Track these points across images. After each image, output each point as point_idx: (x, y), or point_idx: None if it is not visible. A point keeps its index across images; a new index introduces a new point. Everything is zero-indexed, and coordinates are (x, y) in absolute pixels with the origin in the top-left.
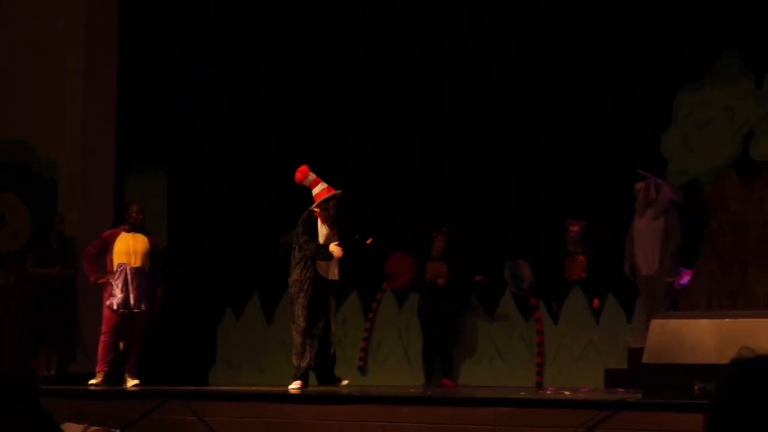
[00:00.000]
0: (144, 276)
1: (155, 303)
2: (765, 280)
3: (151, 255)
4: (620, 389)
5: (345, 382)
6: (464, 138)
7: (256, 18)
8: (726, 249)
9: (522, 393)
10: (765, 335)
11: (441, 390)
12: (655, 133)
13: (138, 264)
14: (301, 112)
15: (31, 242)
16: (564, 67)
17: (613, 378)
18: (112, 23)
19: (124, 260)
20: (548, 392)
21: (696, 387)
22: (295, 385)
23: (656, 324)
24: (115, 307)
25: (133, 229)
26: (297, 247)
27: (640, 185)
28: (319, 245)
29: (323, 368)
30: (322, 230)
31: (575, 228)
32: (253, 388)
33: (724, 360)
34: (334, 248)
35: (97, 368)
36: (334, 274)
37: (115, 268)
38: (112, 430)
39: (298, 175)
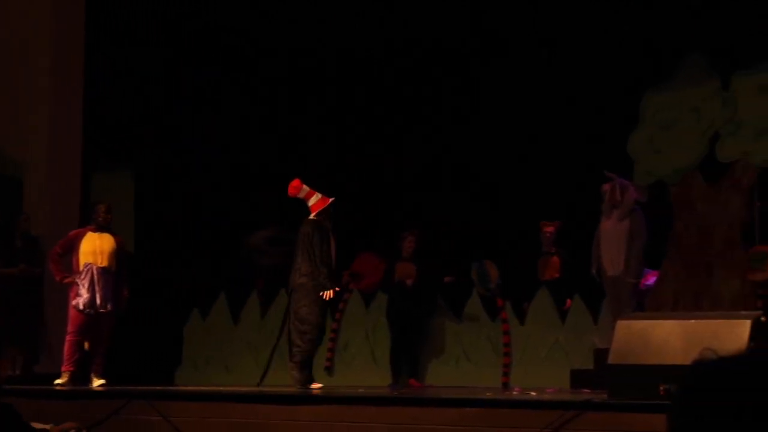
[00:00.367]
0: (110, 276)
1: (121, 303)
2: (730, 281)
3: (117, 255)
4: (586, 390)
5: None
6: (434, 139)
7: (224, 11)
8: (691, 250)
9: (488, 393)
10: (729, 336)
11: (407, 390)
12: (624, 134)
13: (104, 264)
14: (269, 111)
15: None
16: (533, 69)
17: (579, 378)
18: (79, 23)
19: (90, 260)
20: (514, 393)
21: (661, 388)
22: (318, 385)
23: (622, 325)
24: (81, 307)
25: (100, 228)
26: (307, 255)
27: (606, 187)
28: (330, 276)
29: None
30: None
31: (549, 229)
32: (220, 388)
33: (689, 361)
34: (330, 293)
35: (63, 368)
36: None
37: (81, 268)
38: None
39: (291, 190)
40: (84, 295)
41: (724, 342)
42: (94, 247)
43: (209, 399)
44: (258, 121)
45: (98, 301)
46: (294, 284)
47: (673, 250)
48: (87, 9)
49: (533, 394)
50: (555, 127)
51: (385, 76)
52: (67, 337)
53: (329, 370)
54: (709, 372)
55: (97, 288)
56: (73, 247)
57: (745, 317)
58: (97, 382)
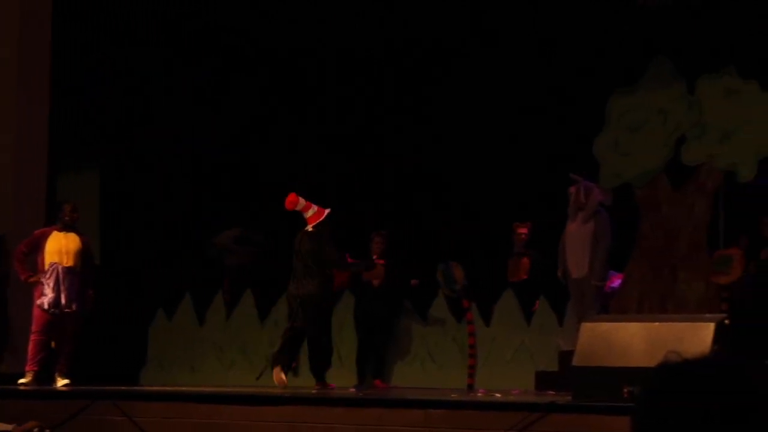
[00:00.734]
0: (76, 275)
1: (87, 303)
2: (695, 284)
3: (83, 255)
4: (551, 392)
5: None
6: (402, 141)
7: (201, 6)
8: (656, 253)
9: (453, 395)
10: (693, 339)
11: (372, 391)
12: (591, 136)
13: (70, 263)
14: (236, 109)
15: None
16: (503, 73)
17: (543, 380)
18: (45, 21)
19: (56, 259)
20: (479, 394)
21: (625, 390)
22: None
23: (586, 327)
24: (46, 306)
25: (66, 228)
26: (318, 262)
27: (573, 189)
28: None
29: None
30: None
31: (522, 230)
32: (184, 388)
33: (653, 363)
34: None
35: (27, 368)
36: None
37: (46, 267)
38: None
39: (288, 205)
40: (49, 294)
41: (688, 345)
42: (60, 247)
43: (174, 399)
44: (224, 120)
45: (63, 300)
46: (299, 294)
47: (638, 253)
48: (54, 5)
49: (498, 395)
50: (527, 128)
51: (358, 75)
52: (32, 337)
53: (295, 370)
54: (673, 375)
55: (62, 287)
56: (38, 247)
57: (709, 320)
58: (61, 382)
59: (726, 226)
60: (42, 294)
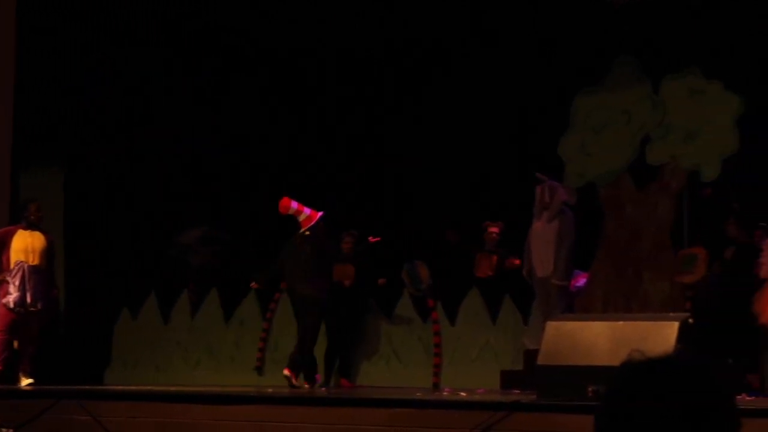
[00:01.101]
0: (41, 274)
1: (53, 302)
2: (659, 283)
3: (48, 254)
4: (516, 391)
5: None
6: (372, 140)
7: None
8: (621, 252)
9: (418, 394)
10: (657, 338)
11: (338, 390)
12: (557, 137)
13: (36, 262)
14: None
15: None
16: (468, 70)
17: (509, 379)
18: (10, 19)
19: (21, 258)
20: (444, 393)
21: (590, 389)
22: None
23: (551, 326)
24: (11, 305)
25: (31, 227)
26: (318, 264)
27: (539, 188)
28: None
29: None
30: None
31: (494, 229)
32: (150, 387)
33: (618, 362)
34: None
35: None
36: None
37: (12, 266)
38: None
39: (281, 209)
40: (14, 293)
41: (652, 344)
42: (26, 245)
43: (139, 398)
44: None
45: (29, 299)
46: (303, 295)
47: (602, 252)
48: (18, 3)
49: (463, 394)
50: (496, 129)
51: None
52: None
53: (259, 369)
54: (636, 374)
55: (27, 286)
56: (3, 245)
57: (673, 319)
58: (25, 382)
59: (690, 225)
60: (7, 293)
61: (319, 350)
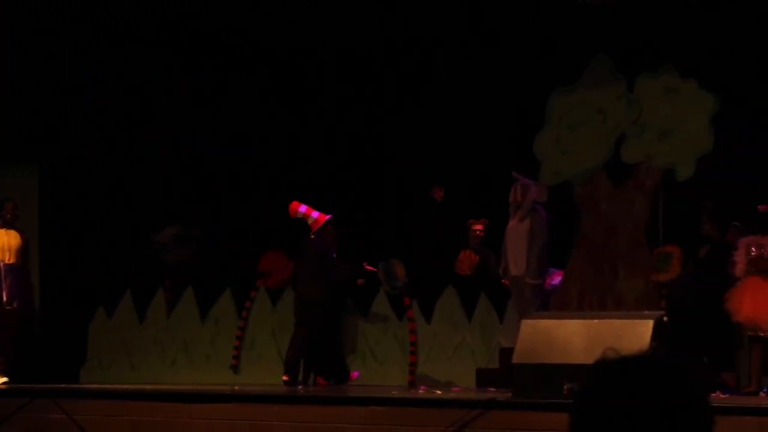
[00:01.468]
0: (17, 273)
1: (30, 300)
2: (634, 281)
3: (23, 252)
4: (492, 389)
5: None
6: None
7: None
8: (597, 250)
9: (394, 392)
10: (631, 336)
11: (314, 389)
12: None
13: (12, 260)
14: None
15: None
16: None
17: (484, 377)
18: None
19: None
20: (420, 391)
21: (565, 387)
22: None
23: (527, 324)
24: None
25: (6, 225)
26: (320, 268)
27: (513, 187)
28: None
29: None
30: None
31: (478, 227)
32: (125, 386)
33: (593, 360)
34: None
35: None
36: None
37: None
38: None
39: (291, 213)
40: None
41: (627, 341)
42: (2, 244)
43: (114, 397)
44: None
45: (5, 297)
46: (305, 297)
47: (578, 250)
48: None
49: (439, 392)
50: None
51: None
52: None
53: (235, 368)
54: (611, 372)
55: (3, 285)
56: None
57: (648, 317)
58: None
59: (665, 224)
60: None
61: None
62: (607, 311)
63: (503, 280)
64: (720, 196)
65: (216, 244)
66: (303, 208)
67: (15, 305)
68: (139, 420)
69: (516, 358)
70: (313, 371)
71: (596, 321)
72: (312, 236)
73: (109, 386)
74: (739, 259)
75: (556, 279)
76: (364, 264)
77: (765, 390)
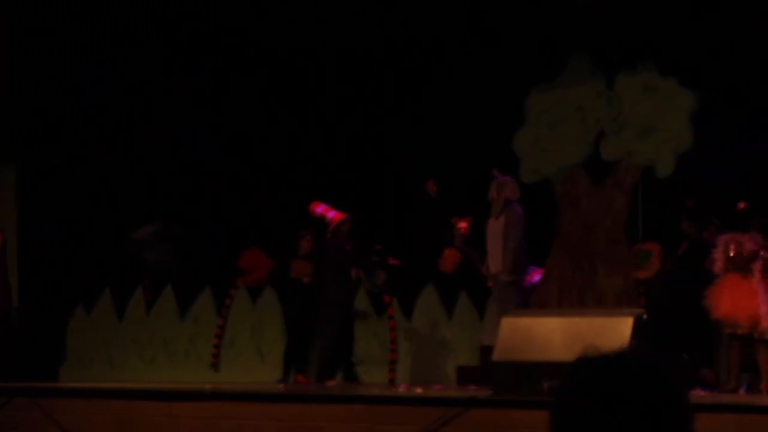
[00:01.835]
0: None
1: (8, 299)
2: (613, 278)
3: (1, 250)
4: (472, 386)
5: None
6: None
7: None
8: (576, 247)
9: (374, 390)
10: (611, 333)
11: (294, 386)
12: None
13: None
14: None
15: None
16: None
17: (465, 375)
18: None
19: None
20: (400, 389)
21: (545, 385)
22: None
23: (506, 322)
24: None
25: None
26: (335, 266)
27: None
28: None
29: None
30: None
31: (463, 224)
32: (105, 384)
33: (572, 357)
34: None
35: None
36: None
37: None
38: None
39: (311, 214)
40: None
41: (606, 339)
42: None
43: (93, 396)
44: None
45: None
46: (323, 296)
47: (558, 248)
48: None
49: (419, 390)
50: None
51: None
52: None
53: (215, 366)
54: (590, 369)
55: None
56: None
57: (628, 314)
58: None
59: (644, 221)
60: None
61: (273, 347)
62: (586, 309)
63: (489, 281)
64: (699, 193)
65: (199, 242)
66: (320, 208)
67: None
68: (119, 418)
69: (496, 356)
70: (293, 369)
71: (576, 318)
72: (329, 236)
73: (88, 384)
74: (718, 256)
75: (536, 276)
76: (390, 259)
77: (744, 387)
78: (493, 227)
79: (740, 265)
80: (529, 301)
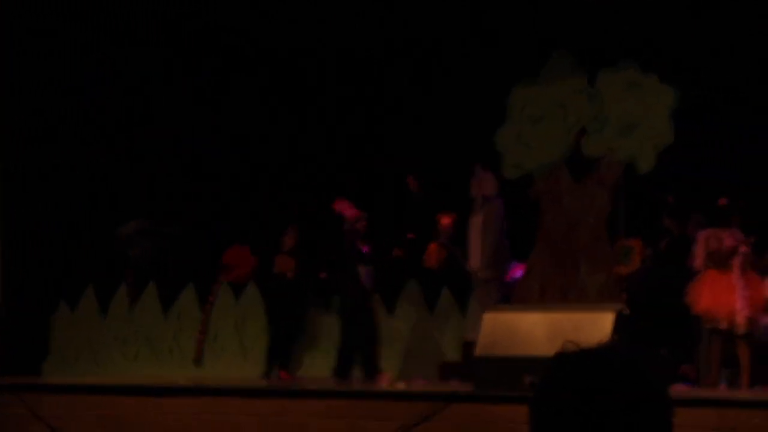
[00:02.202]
0: None
1: None
2: (595, 274)
3: None
4: (455, 381)
5: None
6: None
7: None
8: (558, 243)
9: (356, 385)
10: (592, 328)
11: (276, 382)
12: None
13: None
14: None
15: None
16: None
17: (447, 370)
18: None
19: None
20: (383, 384)
21: (526, 380)
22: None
23: (488, 317)
24: None
25: None
26: (345, 262)
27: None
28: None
29: None
30: None
31: (446, 221)
32: (88, 380)
33: (553, 353)
34: None
35: None
36: None
37: None
38: None
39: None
40: None
41: (587, 334)
42: None
43: (77, 391)
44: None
45: None
46: (341, 292)
47: (540, 245)
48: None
49: (401, 385)
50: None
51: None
52: None
53: (198, 361)
54: (570, 364)
55: None
56: None
57: (609, 310)
58: None
59: (626, 217)
60: None
61: (256, 342)
62: (567, 304)
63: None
64: (680, 189)
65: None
66: (339, 206)
67: None
68: (102, 414)
69: (478, 351)
70: (276, 364)
71: (557, 314)
72: (345, 234)
73: (72, 380)
74: (698, 252)
75: (518, 272)
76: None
77: (724, 382)
78: (473, 223)
79: (720, 261)
80: (511, 297)
